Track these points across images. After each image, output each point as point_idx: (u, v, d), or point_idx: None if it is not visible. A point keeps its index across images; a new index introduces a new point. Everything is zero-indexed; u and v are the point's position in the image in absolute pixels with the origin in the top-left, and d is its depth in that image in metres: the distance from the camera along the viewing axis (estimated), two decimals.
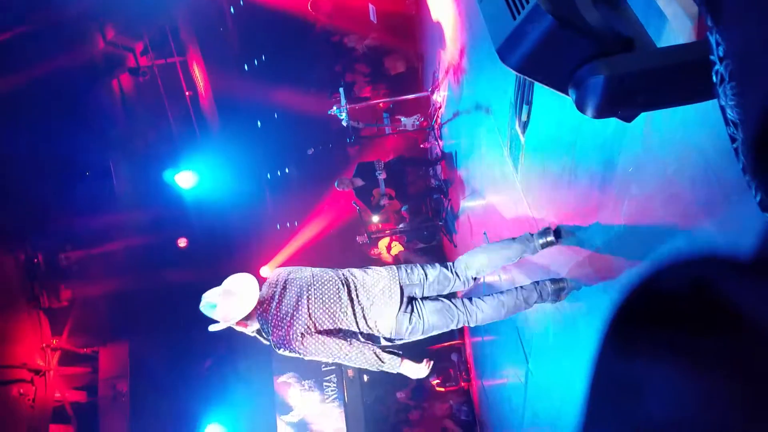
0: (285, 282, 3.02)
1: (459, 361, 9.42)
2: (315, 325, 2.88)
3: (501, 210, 5.10)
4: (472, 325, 3.17)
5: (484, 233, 5.88)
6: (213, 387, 10.36)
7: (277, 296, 2.96)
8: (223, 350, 10.84)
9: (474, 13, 5.31)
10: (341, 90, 7.84)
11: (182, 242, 10.93)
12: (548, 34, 1.38)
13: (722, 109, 0.65)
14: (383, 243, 10.31)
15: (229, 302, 2.90)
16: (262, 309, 2.95)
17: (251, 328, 3.02)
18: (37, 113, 9.04)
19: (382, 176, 7.95)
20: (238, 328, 3.01)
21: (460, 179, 7.20)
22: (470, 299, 3.16)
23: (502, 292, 3.26)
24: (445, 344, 9.30)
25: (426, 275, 3.09)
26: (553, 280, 3.30)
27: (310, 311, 2.90)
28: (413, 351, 9.84)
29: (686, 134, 2.00)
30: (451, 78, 7.01)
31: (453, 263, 3.22)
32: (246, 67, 11.57)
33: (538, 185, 3.89)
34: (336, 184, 8.30)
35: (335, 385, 10.79)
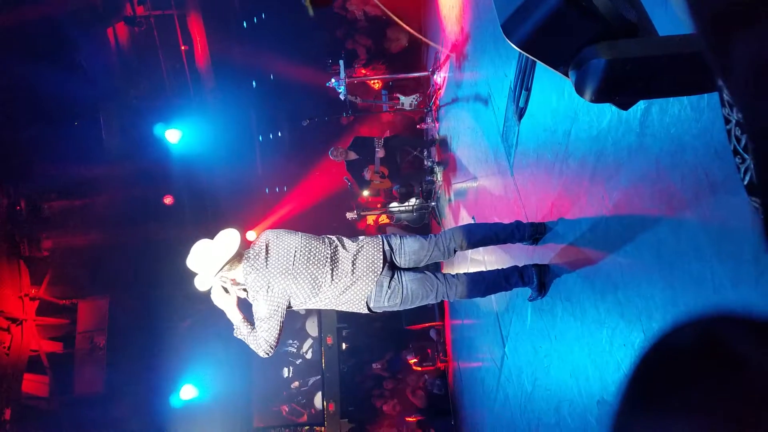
0: (273, 242, 3.04)
1: (437, 340, 9.52)
2: (294, 285, 2.93)
3: (492, 195, 5.12)
4: (451, 299, 3.19)
5: (473, 218, 5.91)
6: (192, 347, 10.40)
7: (263, 254, 2.98)
8: (205, 310, 10.88)
9: None
10: (341, 62, 7.76)
11: (168, 199, 10.86)
12: (554, 11, 1.39)
13: (720, 89, 0.66)
14: (371, 217, 10.33)
15: (202, 253, 2.93)
16: (249, 265, 2.95)
17: (239, 287, 3.04)
18: (29, 56, 8.88)
19: (379, 154, 7.94)
20: (225, 285, 3.02)
21: (454, 162, 7.20)
22: (452, 273, 3.19)
23: (484, 270, 3.28)
24: (425, 324, 9.38)
25: (403, 243, 3.14)
26: (537, 266, 3.34)
27: (295, 272, 2.93)
28: (392, 331, 9.89)
29: (680, 130, 2.02)
30: (453, 60, 6.96)
31: (436, 234, 3.24)
32: (245, 24, 11.36)
33: (530, 172, 3.91)
34: (330, 152, 8.27)
35: (313, 349, 10.94)
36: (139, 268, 10.41)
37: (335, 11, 10.88)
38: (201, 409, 10.24)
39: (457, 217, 7.06)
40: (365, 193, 8.56)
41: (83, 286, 10.52)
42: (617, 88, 1.43)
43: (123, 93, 10.47)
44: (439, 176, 8.25)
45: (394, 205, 9.15)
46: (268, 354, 3.01)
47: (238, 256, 2.97)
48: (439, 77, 8.07)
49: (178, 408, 10.22)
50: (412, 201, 9.13)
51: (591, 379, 2.82)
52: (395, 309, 3.12)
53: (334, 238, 3.14)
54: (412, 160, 9.14)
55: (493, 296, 3.37)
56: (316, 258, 2.98)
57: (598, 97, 1.46)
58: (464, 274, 3.22)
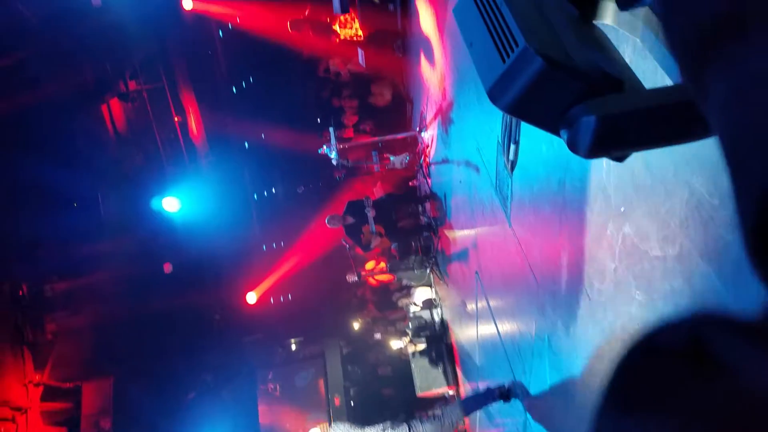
0: None
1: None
2: None
3: (492, 247, 5.07)
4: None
5: (476, 272, 5.83)
6: (197, 419, 10.11)
7: None
8: (209, 380, 10.65)
9: (460, 54, 5.39)
10: (331, 129, 7.89)
11: (167, 268, 10.81)
12: (538, 75, 1.39)
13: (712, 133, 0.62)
14: (370, 265, 10.19)
15: None
16: None
17: None
18: (26, 141, 9.07)
19: (371, 213, 7.93)
20: None
21: (450, 217, 7.19)
22: None
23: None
24: (438, 390, 8.97)
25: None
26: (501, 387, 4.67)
27: None
28: (404, 399, 9.55)
29: (678, 172, 1.99)
30: (440, 119, 7.07)
31: None
32: (234, 89, 11.64)
33: (529, 223, 3.88)
34: (327, 221, 8.26)
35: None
36: (141, 342, 10.28)
37: (320, 75, 11.19)
38: None
39: (458, 272, 6.98)
40: (368, 247, 8.52)
41: (87, 367, 10.36)
42: (611, 143, 1.42)
43: (119, 166, 10.63)
44: (437, 231, 8.22)
45: (395, 264, 9.09)
46: None
47: None
48: (427, 135, 8.18)
49: None
50: (412, 258, 9.06)
51: None
52: None
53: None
54: (408, 217, 9.14)
55: (508, 360, 3.47)
56: None
57: (593, 154, 1.43)
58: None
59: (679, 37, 0.43)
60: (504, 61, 1.41)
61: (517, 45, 1.40)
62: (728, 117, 0.38)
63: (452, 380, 8.78)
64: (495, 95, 1.46)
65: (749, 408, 0.32)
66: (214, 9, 10.66)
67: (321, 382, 11.17)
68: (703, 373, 0.34)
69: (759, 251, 0.36)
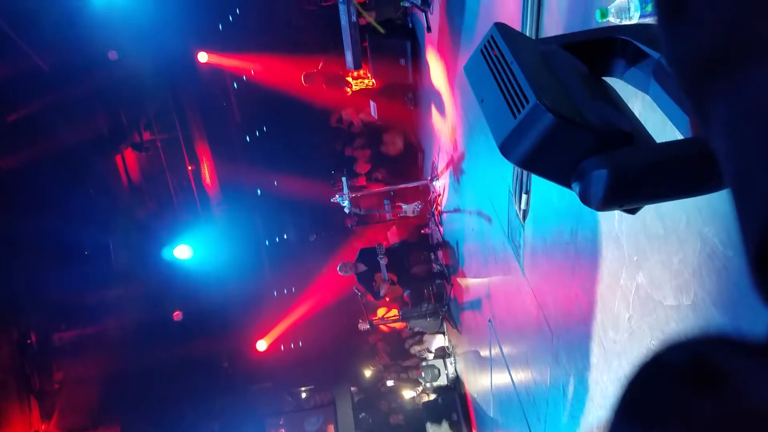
0: None
1: None
2: None
3: (506, 295, 5.05)
4: None
5: (489, 320, 5.79)
6: None
7: None
8: (217, 429, 10.46)
9: (470, 106, 5.52)
10: (344, 179, 8.01)
11: (177, 316, 10.78)
12: (549, 130, 1.42)
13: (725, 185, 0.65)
14: (381, 311, 10.10)
15: None
16: None
17: None
18: (39, 190, 9.22)
19: (383, 261, 7.95)
20: None
21: (463, 265, 7.18)
22: None
23: None
24: None
25: None
26: None
27: None
28: None
29: (690, 222, 2.01)
30: (451, 169, 7.17)
31: None
32: (248, 138, 11.86)
33: (542, 271, 3.87)
34: (338, 269, 8.28)
35: None
36: (149, 391, 10.14)
37: (333, 125, 11.43)
38: None
39: (472, 320, 6.92)
40: (380, 295, 8.50)
41: (94, 415, 10.21)
42: (623, 196, 1.44)
43: (131, 215, 10.76)
44: (449, 279, 8.20)
45: (407, 311, 9.03)
46: None
47: None
48: (438, 184, 8.27)
49: None
50: (424, 306, 9.01)
51: None
52: None
53: None
54: (421, 265, 9.13)
55: (522, 409, 3.31)
56: None
57: (605, 206, 1.46)
58: None
59: (682, 73, 0.45)
60: (515, 116, 1.45)
61: (527, 101, 1.44)
62: (730, 144, 0.40)
63: (466, 431, 8.59)
64: (507, 150, 1.50)
65: (751, 424, 0.33)
66: (229, 62, 10.99)
67: (331, 429, 10.98)
68: (707, 389, 0.36)
69: (762, 274, 0.38)
